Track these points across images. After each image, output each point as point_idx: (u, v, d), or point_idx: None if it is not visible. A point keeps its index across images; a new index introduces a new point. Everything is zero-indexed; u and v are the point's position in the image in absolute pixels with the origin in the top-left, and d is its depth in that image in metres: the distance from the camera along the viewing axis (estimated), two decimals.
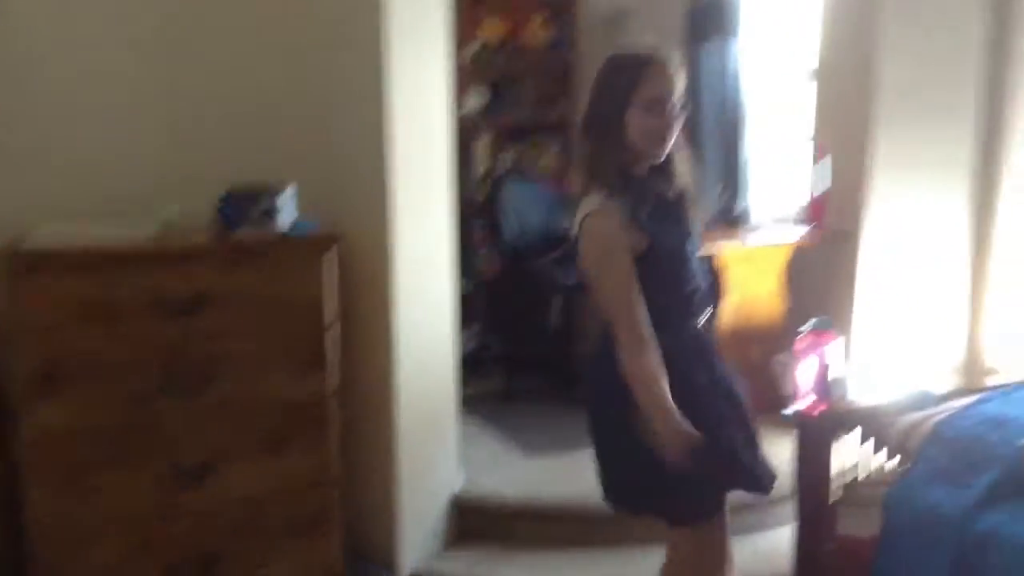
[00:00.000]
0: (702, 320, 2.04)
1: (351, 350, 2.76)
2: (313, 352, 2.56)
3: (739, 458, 1.96)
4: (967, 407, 2.47)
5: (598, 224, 1.86)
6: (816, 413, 2.48)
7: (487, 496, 3.11)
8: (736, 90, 4.21)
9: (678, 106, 1.86)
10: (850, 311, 3.13)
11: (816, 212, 3.57)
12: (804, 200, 3.75)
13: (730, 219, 4.15)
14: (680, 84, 1.86)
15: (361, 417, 2.85)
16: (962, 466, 2.24)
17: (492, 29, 4.70)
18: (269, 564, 2.57)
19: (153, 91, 2.69)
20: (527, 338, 4.46)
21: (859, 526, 2.35)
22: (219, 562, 2.51)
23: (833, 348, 2.74)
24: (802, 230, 3.68)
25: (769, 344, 3.33)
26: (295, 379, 2.55)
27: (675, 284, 1.94)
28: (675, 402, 1.85)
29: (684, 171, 1.98)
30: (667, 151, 1.88)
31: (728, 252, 3.57)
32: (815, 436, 2.41)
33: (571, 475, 3.19)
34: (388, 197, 2.71)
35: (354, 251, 2.75)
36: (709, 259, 2.10)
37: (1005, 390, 2.59)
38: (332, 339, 2.62)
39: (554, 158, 4.85)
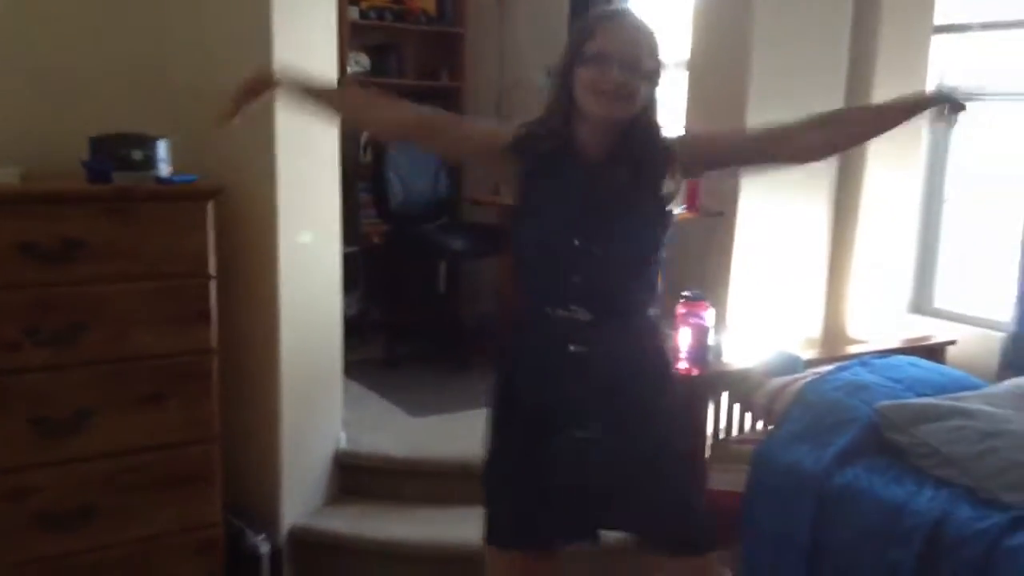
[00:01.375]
0: (563, 321, 1.74)
1: (233, 305, 2.70)
2: (196, 305, 2.49)
3: (506, 500, 1.82)
4: (829, 373, 2.65)
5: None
6: (690, 376, 2.60)
7: (370, 454, 3.10)
8: None
9: (633, 70, 1.66)
10: (725, 284, 3.28)
11: (692, 193, 3.71)
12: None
13: None
14: (639, 48, 1.68)
15: (243, 373, 2.80)
16: (823, 427, 2.41)
17: None
18: (147, 517, 2.50)
19: (20, 39, 2.55)
20: (412, 304, 4.47)
21: (728, 482, 2.50)
22: (95, 514, 2.42)
23: (707, 317, 2.88)
24: (679, 209, 3.82)
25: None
26: (176, 333, 2.47)
27: (533, 258, 1.78)
28: (494, 399, 1.81)
29: (647, 166, 1.74)
30: (612, 113, 1.68)
31: None
32: (688, 397, 2.53)
33: (454, 434, 3.24)
34: (270, 153, 2.66)
35: (236, 206, 2.67)
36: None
37: (864, 359, 2.79)
38: (214, 293, 2.55)
39: None
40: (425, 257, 4.24)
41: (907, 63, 3.33)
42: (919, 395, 2.47)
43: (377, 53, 4.72)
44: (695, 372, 2.62)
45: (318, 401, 2.98)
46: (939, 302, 3.42)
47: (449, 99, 4.86)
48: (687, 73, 3.70)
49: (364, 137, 4.55)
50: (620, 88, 1.65)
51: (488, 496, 1.85)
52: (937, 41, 3.36)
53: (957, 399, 2.42)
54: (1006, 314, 2.93)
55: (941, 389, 2.53)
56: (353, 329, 3.73)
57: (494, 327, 4.44)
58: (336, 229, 2.96)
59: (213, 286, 2.54)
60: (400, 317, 4.47)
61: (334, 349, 3.03)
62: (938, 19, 3.34)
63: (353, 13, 4.51)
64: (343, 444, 3.10)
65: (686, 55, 3.70)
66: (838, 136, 1.83)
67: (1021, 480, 2.09)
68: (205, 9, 2.76)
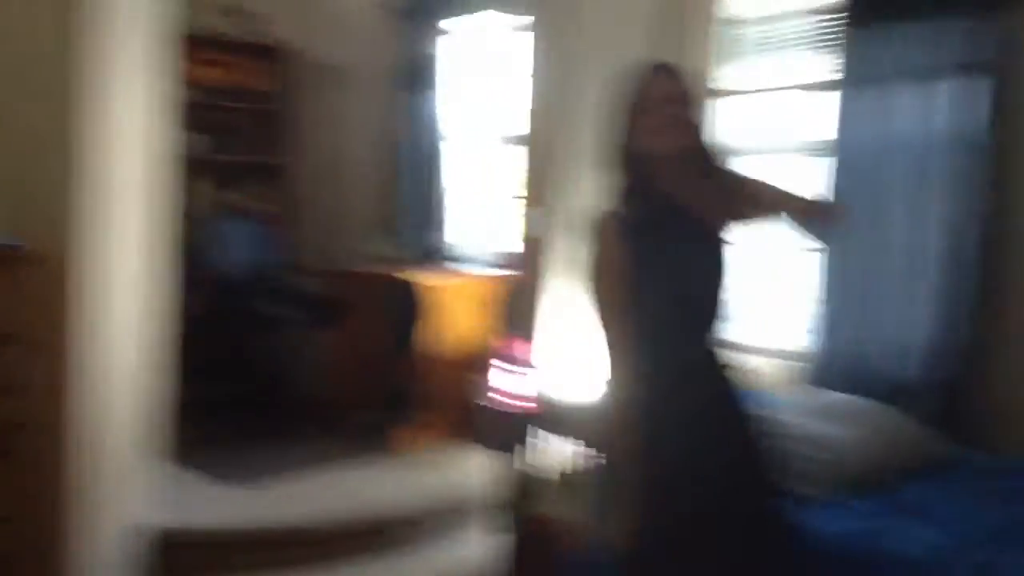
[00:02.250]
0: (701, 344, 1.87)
1: (44, 375, 2.55)
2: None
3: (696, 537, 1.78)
4: None
5: (594, 235, 1.85)
6: (511, 413, 2.67)
7: (195, 530, 3.00)
8: (434, 138, 4.54)
9: (678, 106, 1.82)
10: (531, 328, 3.41)
11: (527, 256, 3.87)
12: (512, 244, 4.08)
13: (435, 256, 4.44)
14: (673, 87, 1.84)
15: (47, 451, 2.60)
16: None
17: (208, 75, 4.69)
18: None
19: None
20: (239, 379, 4.36)
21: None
22: None
23: (527, 359, 2.99)
24: (511, 268, 3.98)
25: (475, 370, 3.56)
26: None
27: (665, 294, 1.83)
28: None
29: (722, 189, 1.89)
30: (674, 146, 1.82)
31: (436, 285, 3.82)
32: (511, 433, 2.61)
33: (281, 503, 3.21)
34: (87, 223, 2.62)
35: (51, 275, 2.57)
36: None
37: None
38: (7, 362, 2.42)
39: (272, 199, 4.88)
40: (252, 329, 4.17)
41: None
42: None
43: (213, 132, 4.71)
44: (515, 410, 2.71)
45: (131, 478, 2.86)
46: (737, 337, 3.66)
47: (279, 173, 4.91)
48: (524, 146, 3.89)
49: (195, 212, 4.50)
50: (677, 119, 1.81)
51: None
52: (719, 105, 3.69)
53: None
54: (799, 342, 3.20)
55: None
56: (179, 407, 3.62)
57: (327, 396, 4.41)
58: (158, 304, 2.91)
59: (8, 353, 2.40)
60: (227, 392, 4.35)
61: (151, 423, 2.93)
62: (720, 84, 3.69)
63: (189, 94, 4.50)
64: (164, 522, 2.94)
65: (524, 130, 3.90)
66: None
67: (813, 475, 2.27)
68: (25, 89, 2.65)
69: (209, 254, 4.09)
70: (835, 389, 2.91)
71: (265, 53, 4.89)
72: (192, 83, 4.53)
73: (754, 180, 1.94)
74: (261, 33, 4.89)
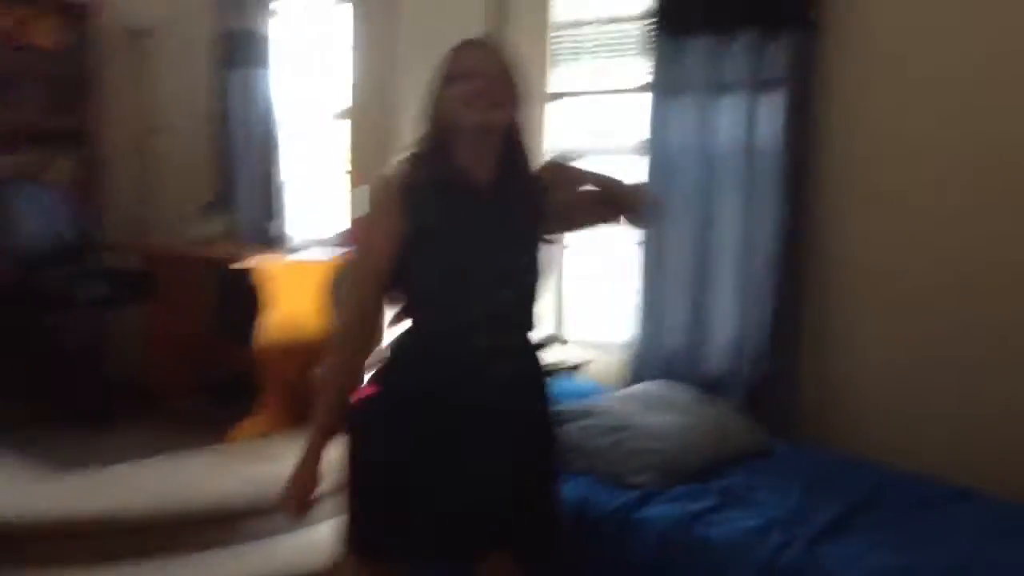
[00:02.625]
0: (477, 346, 1.81)
1: None
2: None
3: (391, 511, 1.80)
4: None
5: (373, 188, 1.84)
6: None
7: (7, 520, 2.76)
8: (268, 118, 4.35)
9: (496, 79, 1.77)
10: None
11: (357, 234, 3.79)
12: (343, 224, 3.98)
13: (268, 239, 4.25)
14: (499, 62, 1.80)
15: None
16: None
17: None
18: None
19: None
20: (46, 360, 4.00)
21: None
22: None
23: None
24: (341, 250, 3.89)
25: (311, 357, 3.44)
26: None
27: (438, 287, 1.81)
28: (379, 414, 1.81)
29: (532, 180, 1.87)
30: (487, 120, 1.76)
31: (269, 269, 3.64)
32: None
33: (97, 492, 3.00)
34: None
35: None
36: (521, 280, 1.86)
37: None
38: None
39: (71, 167, 4.48)
40: (56, 309, 3.84)
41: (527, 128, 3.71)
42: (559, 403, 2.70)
43: None
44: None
45: None
46: (571, 331, 3.79)
47: (79, 141, 4.53)
48: (347, 121, 3.82)
49: None
50: (489, 94, 1.75)
51: (369, 505, 1.82)
52: (551, 107, 3.77)
53: (588, 403, 2.70)
54: (626, 336, 3.34)
55: (578, 397, 2.81)
56: None
57: (142, 381, 4.14)
58: None
59: None
60: (28, 375, 4.00)
61: None
62: (552, 87, 3.77)
63: None
64: None
65: (346, 105, 3.84)
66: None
67: (646, 465, 2.38)
68: None
69: None
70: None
71: (56, 8, 4.47)
72: None
73: (575, 168, 1.96)
74: None
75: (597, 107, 3.73)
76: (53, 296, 3.76)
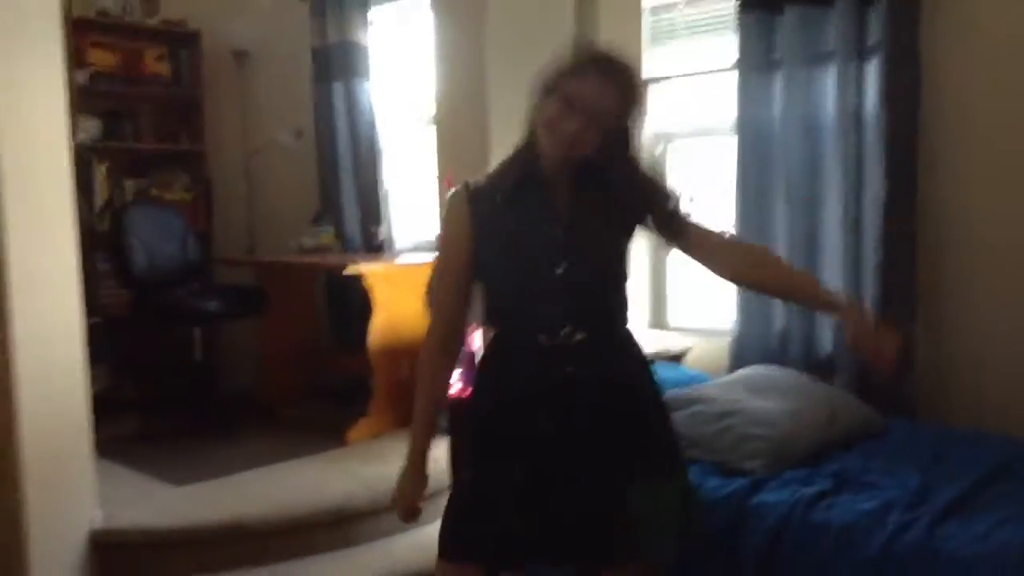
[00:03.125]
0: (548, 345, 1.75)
1: None
2: None
3: (482, 514, 1.76)
4: None
5: (448, 197, 1.83)
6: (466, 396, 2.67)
7: (129, 529, 2.90)
8: (370, 127, 4.47)
9: (593, 121, 1.66)
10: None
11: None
12: (435, 230, 4.06)
13: (373, 245, 4.38)
14: (608, 102, 1.68)
15: None
16: None
17: (102, 59, 4.49)
18: None
19: None
20: (166, 374, 4.25)
21: None
22: None
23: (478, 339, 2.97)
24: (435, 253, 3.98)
25: (417, 358, 3.52)
26: None
27: (508, 290, 1.79)
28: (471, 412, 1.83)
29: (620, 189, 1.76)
30: (557, 153, 1.70)
31: (375, 274, 3.75)
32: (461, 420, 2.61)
33: (219, 500, 3.11)
34: None
35: None
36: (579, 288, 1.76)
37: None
38: None
39: (185, 189, 4.73)
40: (178, 324, 4.06)
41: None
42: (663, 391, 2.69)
43: (110, 118, 4.53)
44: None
45: (66, 479, 2.76)
46: (673, 319, 3.77)
47: (192, 162, 4.76)
48: (435, 129, 3.90)
49: (100, 202, 4.34)
50: (573, 139, 1.66)
51: (452, 507, 1.82)
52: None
53: (694, 389, 2.69)
54: (729, 323, 3.30)
55: (682, 385, 2.79)
56: (101, 406, 3.51)
57: (262, 391, 4.33)
58: (75, 295, 2.80)
59: None
60: (153, 389, 4.24)
61: (81, 422, 2.83)
62: (646, 72, 3.75)
63: (81, 77, 4.32)
64: (99, 523, 2.87)
65: (432, 111, 3.92)
66: (768, 285, 1.94)
67: (755, 450, 2.36)
68: None
69: (121, 248, 3.93)
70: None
71: (165, 37, 4.72)
72: (86, 66, 4.37)
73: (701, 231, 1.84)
74: (159, 14, 4.73)
75: (694, 88, 3.69)
76: (174, 313, 3.96)
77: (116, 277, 4.05)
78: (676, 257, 3.78)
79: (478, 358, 1.94)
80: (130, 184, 4.56)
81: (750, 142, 3.22)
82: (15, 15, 2.56)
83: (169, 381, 4.25)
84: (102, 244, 4.18)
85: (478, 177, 1.82)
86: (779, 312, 3.16)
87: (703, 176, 3.67)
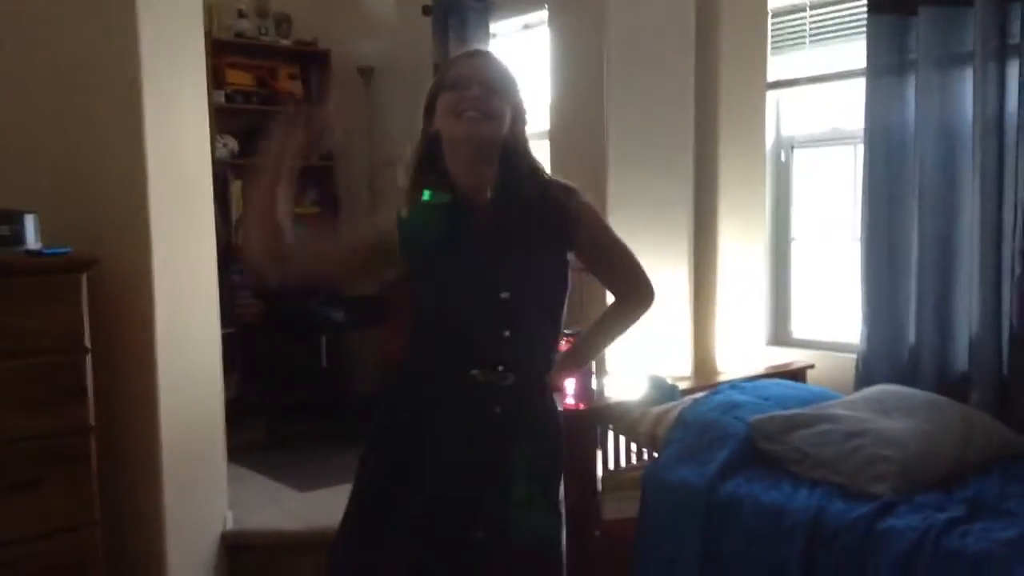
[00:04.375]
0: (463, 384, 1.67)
1: (110, 383, 2.64)
2: (71, 382, 2.42)
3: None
4: (704, 397, 2.80)
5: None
6: (578, 411, 2.68)
7: (259, 532, 3.03)
8: None
9: (492, 90, 1.65)
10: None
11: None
12: None
13: None
14: (497, 73, 1.69)
15: (122, 454, 2.72)
16: (703, 445, 2.54)
17: (238, 79, 4.71)
18: None
19: None
20: (294, 382, 4.41)
21: (621, 510, 2.58)
22: None
23: None
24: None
25: None
26: (49, 411, 2.39)
27: (434, 318, 1.73)
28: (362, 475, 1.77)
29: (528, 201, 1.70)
30: (475, 132, 1.65)
31: None
32: (577, 432, 2.61)
33: (343, 505, 3.17)
34: (145, 228, 2.68)
35: (112, 280, 2.65)
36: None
37: (733, 383, 2.96)
38: (90, 369, 2.48)
39: (314, 204, 4.91)
40: (305, 333, 4.22)
41: (746, 117, 3.63)
42: (786, 409, 2.63)
43: (245, 136, 4.75)
44: (582, 407, 2.71)
45: (201, 481, 2.91)
46: (796, 332, 3.65)
47: (321, 177, 4.94)
48: (548, 143, 3.92)
49: (235, 216, 4.55)
50: (480, 103, 1.63)
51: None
52: (771, 96, 3.67)
53: (820, 408, 2.60)
54: (855, 337, 3.18)
55: (806, 403, 2.71)
56: (232, 412, 3.68)
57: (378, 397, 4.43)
58: (214, 306, 2.95)
59: (89, 361, 2.47)
60: (282, 397, 4.41)
61: (216, 427, 2.98)
62: (771, 76, 3.66)
63: (218, 97, 4.55)
64: (230, 524, 3.01)
65: (546, 126, 3.93)
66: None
67: (885, 472, 2.26)
68: (75, 90, 2.81)
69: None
70: (892, 383, 2.89)
71: (296, 56, 4.90)
72: (224, 85, 4.60)
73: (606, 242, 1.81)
74: (292, 36, 4.91)
75: (821, 94, 3.58)
76: (303, 323, 4.11)
77: (248, 289, 4.23)
78: (799, 264, 3.70)
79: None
80: None
81: (881, 148, 3.09)
82: (164, 36, 2.72)
83: (296, 388, 4.41)
84: (238, 256, 4.38)
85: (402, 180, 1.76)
86: (910, 326, 3.01)
87: (830, 184, 3.55)
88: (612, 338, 1.92)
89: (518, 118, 1.72)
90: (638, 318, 1.91)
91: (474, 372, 1.65)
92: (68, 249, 2.48)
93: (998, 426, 2.58)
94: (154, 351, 2.71)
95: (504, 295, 1.64)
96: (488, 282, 1.65)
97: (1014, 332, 2.77)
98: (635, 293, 1.87)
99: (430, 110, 1.71)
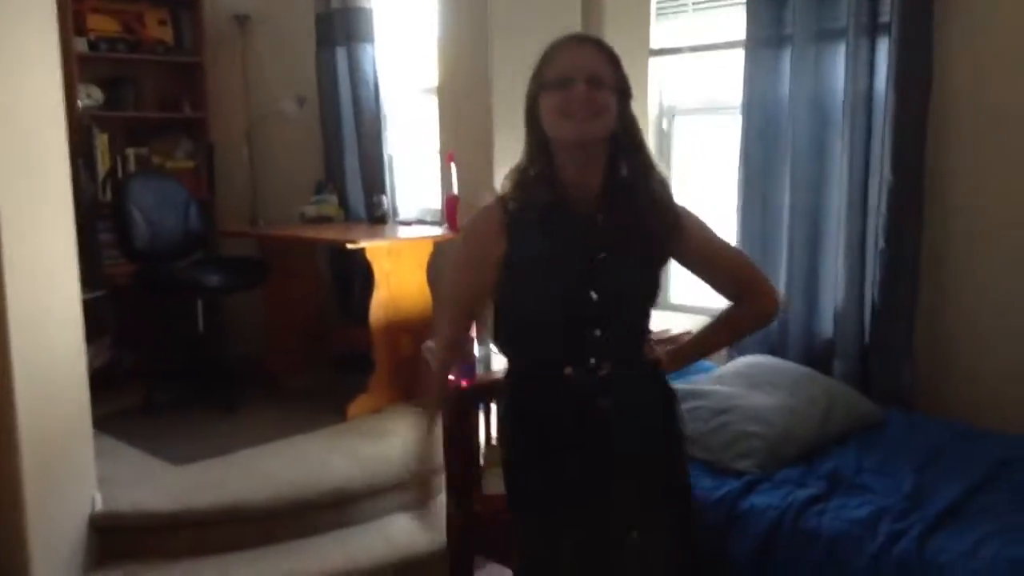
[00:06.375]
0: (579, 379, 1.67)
1: None
2: None
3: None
4: None
5: (476, 218, 1.72)
6: (460, 387, 2.66)
7: (130, 512, 2.93)
8: (374, 95, 4.39)
9: (599, 83, 1.60)
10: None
11: (450, 211, 3.84)
12: (438, 201, 4.02)
13: (376, 216, 4.33)
14: (601, 62, 1.63)
15: None
16: None
17: (102, 24, 4.41)
18: None
19: None
20: (168, 347, 4.25)
21: (500, 486, 2.58)
22: None
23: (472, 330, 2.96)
24: (440, 227, 3.97)
25: (418, 334, 3.52)
26: None
27: (536, 314, 1.68)
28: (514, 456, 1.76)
29: (644, 201, 1.68)
30: (585, 133, 1.60)
31: (378, 248, 3.72)
32: (459, 407, 2.60)
33: (222, 480, 3.13)
34: None
35: None
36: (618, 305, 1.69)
37: None
38: None
39: (187, 157, 4.68)
40: (180, 296, 4.05)
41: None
42: None
43: (111, 85, 4.47)
44: (464, 385, 2.69)
45: (65, 463, 2.79)
46: (674, 298, 3.72)
47: (194, 130, 4.71)
48: (436, 98, 3.84)
49: (102, 171, 4.31)
50: (588, 103, 1.58)
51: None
52: (653, 63, 3.66)
53: (692, 384, 2.66)
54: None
55: (678, 376, 2.76)
56: (103, 379, 3.52)
57: (266, 363, 4.33)
58: (72, 272, 2.79)
59: None
60: (156, 362, 4.26)
61: (81, 406, 2.86)
62: (654, 44, 3.65)
63: (80, 44, 4.25)
64: (99, 506, 2.90)
65: (435, 82, 3.85)
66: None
67: (750, 449, 2.34)
68: None
69: (122, 219, 3.90)
70: (762, 352, 2.99)
71: (166, 0, 4.63)
72: (86, 32, 4.30)
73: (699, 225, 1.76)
74: None
75: (701, 64, 3.59)
76: (175, 285, 3.95)
77: (118, 249, 4.02)
78: None
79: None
80: (132, 152, 4.51)
81: (757, 121, 3.15)
82: None
83: (171, 353, 4.25)
84: (104, 215, 4.16)
85: (499, 199, 1.70)
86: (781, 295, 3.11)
87: (707, 152, 3.60)
88: (723, 346, 1.88)
89: (625, 99, 1.66)
90: (759, 328, 1.96)
91: (568, 371, 1.67)
92: None
93: (858, 398, 2.70)
94: (6, 325, 2.54)
95: (594, 295, 1.64)
96: (580, 282, 1.64)
97: (876, 303, 2.89)
98: (755, 301, 1.84)
99: (532, 111, 1.67)
